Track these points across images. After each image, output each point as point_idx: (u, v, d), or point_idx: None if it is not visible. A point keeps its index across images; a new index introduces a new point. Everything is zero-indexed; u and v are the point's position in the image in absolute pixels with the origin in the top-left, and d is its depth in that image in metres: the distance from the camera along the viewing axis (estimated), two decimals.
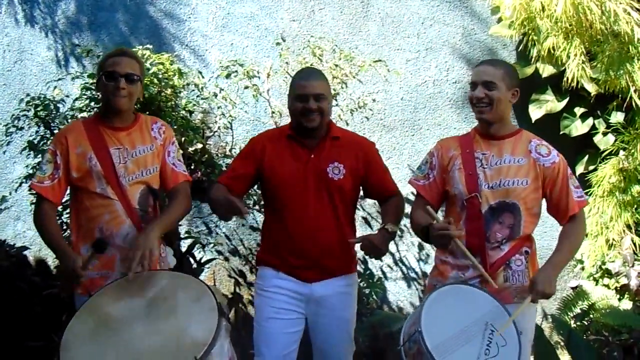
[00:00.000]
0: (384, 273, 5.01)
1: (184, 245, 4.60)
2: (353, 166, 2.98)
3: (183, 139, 4.22)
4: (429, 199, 2.87)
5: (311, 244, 2.90)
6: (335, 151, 2.97)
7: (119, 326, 2.42)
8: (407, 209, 3.15)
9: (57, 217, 3.87)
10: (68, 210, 3.39)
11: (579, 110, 4.92)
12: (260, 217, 4.79)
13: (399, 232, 4.79)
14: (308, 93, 2.87)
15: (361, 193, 3.15)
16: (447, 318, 2.43)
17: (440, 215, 2.85)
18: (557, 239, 2.81)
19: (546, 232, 4.80)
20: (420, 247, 5.04)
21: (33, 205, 2.93)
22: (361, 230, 4.97)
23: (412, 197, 3.59)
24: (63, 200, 3.01)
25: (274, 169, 2.95)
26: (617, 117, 4.81)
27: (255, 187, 3.69)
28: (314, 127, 2.90)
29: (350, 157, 2.98)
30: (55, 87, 4.37)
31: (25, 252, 4.79)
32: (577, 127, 4.92)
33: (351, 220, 3.08)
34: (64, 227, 3.82)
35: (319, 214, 2.92)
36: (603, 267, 4.79)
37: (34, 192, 2.83)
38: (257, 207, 4.52)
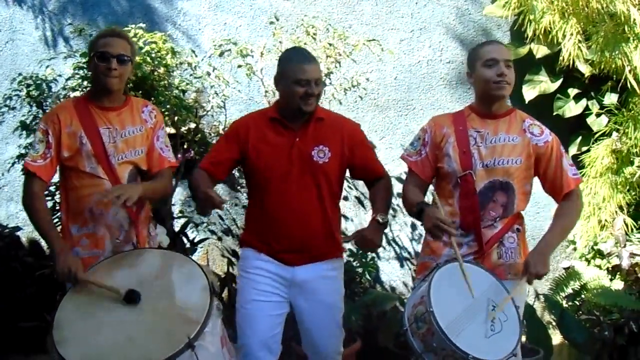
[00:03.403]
0: (376, 253, 5.01)
1: (177, 224, 4.60)
2: (338, 148, 2.93)
3: (176, 118, 4.19)
4: (421, 175, 2.87)
5: (294, 228, 2.86)
6: (320, 133, 2.92)
7: (111, 305, 2.42)
8: (399, 187, 3.15)
9: (50, 197, 3.90)
10: None
11: (572, 92, 4.93)
12: None
13: (392, 212, 4.80)
14: (310, 78, 2.81)
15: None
16: (451, 297, 2.46)
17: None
18: (552, 218, 2.83)
19: (539, 213, 4.83)
20: (413, 227, 5.04)
21: None
22: (354, 210, 4.99)
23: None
24: (54, 181, 3.02)
25: (258, 153, 2.90)
26: (611, 99, 4.81)
27: None
28: (311, 111, 2.87)
29: (335, 139, 2.93)
30: (47, 67, 4.32)
31: (18, 233, 4.78)
32: (571, 108, 4.93)
33: (336, 203, 3.03)
34: (57, 208, 3.81)
35: (302, 197, 2.87)
36: (595, 247, 4.81)
37: (25, 171, 2.80)
38: None
